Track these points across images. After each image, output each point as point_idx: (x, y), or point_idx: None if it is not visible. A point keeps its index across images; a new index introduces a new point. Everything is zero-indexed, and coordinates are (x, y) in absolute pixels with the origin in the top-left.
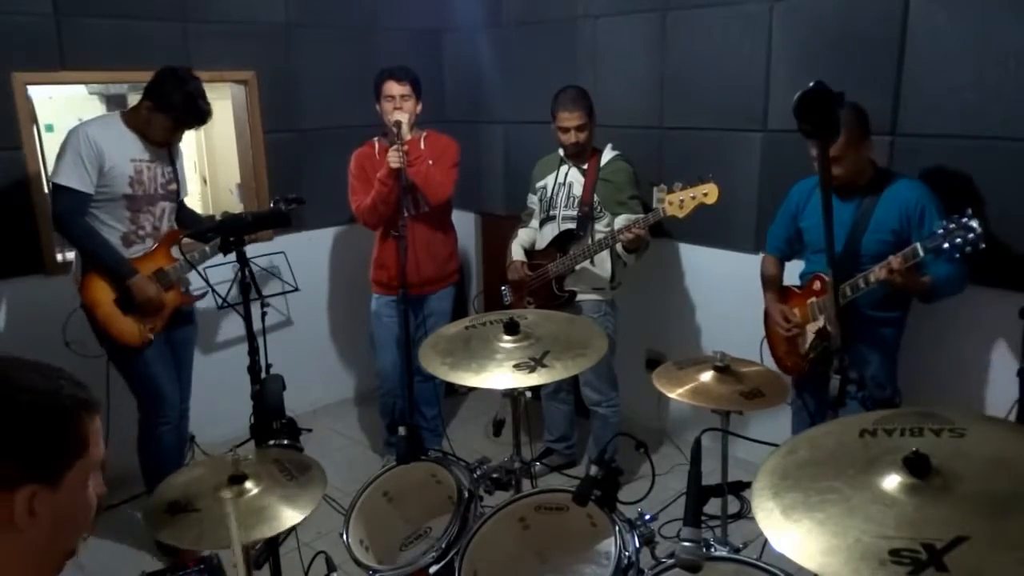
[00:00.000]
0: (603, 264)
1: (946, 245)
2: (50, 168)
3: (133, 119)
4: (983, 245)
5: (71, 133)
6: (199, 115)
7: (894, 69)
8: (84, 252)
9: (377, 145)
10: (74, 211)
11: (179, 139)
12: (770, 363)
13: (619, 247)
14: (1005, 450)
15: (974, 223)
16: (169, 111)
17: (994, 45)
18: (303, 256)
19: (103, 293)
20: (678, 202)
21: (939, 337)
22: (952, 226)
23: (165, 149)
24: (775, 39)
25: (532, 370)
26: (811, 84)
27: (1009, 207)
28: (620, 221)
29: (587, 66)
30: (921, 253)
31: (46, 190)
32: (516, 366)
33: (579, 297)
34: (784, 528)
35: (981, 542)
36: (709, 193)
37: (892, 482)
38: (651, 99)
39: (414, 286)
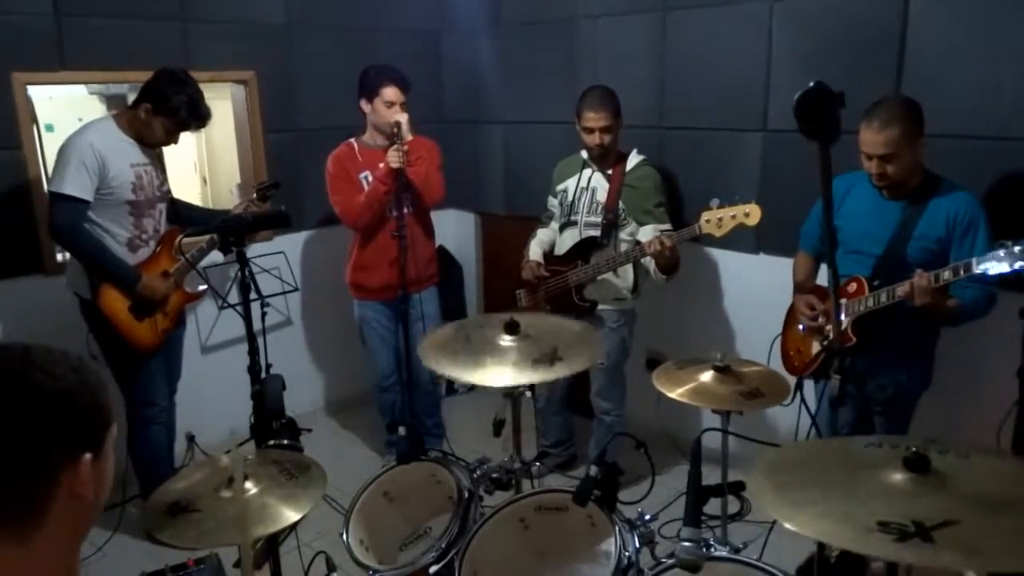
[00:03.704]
0: (625, 274)
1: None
2: (51, 169)
3: (129, 122)
4: None
5: (72, 142)
6: (200, 117)
7: (894, 69)
8: (91, 263)
9: (357, 146)
10: (78, 221)
11: (176, 141)
12: (775, 365)
13: (651, 264)
14: (1005, 466)
15: None
16: (170, 114)
17: (994, 45)
18: (303, 256)
19: (119, 303)
20: (716, 220)
21: (938, 336)
22: (1018, 248)
23: (157, 150)
24: (775, 39)
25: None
26: (811, 84)
27: (1009, 208)
28: (647, 232)
29: (587, 66)
30: (976, 269)
31: (46, 190)
32: (535, 360)
33: (599, 307)
34: (776, 502)
35: (970, 528)
36: (751, 214)
37: (891, 476)
38: (651, 99)
39: (402, 287)
